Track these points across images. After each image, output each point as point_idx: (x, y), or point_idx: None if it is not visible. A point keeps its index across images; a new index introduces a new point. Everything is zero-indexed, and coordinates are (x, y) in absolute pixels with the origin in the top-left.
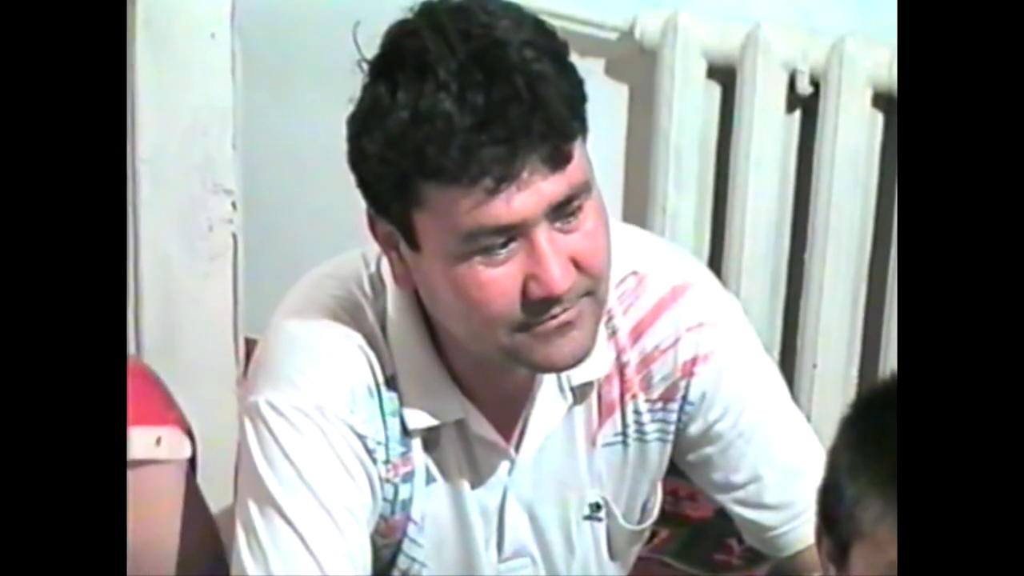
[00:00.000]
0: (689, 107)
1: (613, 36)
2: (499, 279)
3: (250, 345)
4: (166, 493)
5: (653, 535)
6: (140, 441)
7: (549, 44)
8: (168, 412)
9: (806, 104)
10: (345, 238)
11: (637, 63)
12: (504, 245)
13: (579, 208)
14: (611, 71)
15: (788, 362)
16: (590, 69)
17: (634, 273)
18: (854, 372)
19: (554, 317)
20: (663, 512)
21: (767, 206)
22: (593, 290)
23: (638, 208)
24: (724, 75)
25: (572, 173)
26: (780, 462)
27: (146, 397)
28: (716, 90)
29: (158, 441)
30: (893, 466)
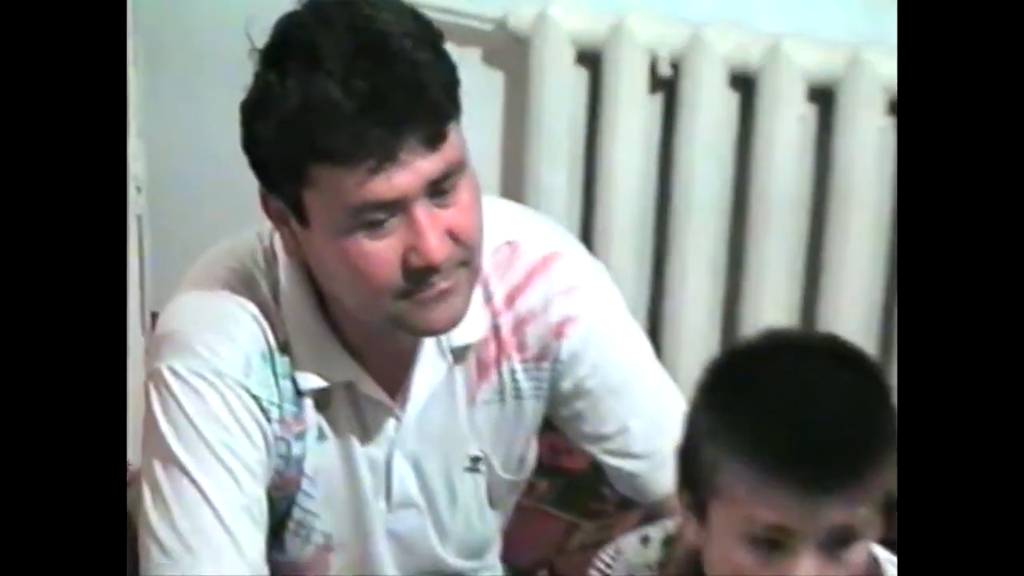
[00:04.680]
0: (559, 91)
1: (488, 27)
2: (382, 251)
3: (156, 319)
4: None
5: (533, 486)
6: None
7: (427, 34)
8: None
9: (667, 86)
10: (242, 218)
11: (511, 52)
12: (386, 220)
13: (454, 185)
14: (487, 59)
15: (655, 326)
16: (468, 58)
17: (508, 243)
18: (716, 335)
19: (432, 285)
20: (543, 464)
21: (633, 181)
22: (468, 260)
23: (514, 185)
24: (591, 61)
25: (448, 152)
26: (645, 414)
27: None
28: (584, 75)
29: None
30: (747, 431)
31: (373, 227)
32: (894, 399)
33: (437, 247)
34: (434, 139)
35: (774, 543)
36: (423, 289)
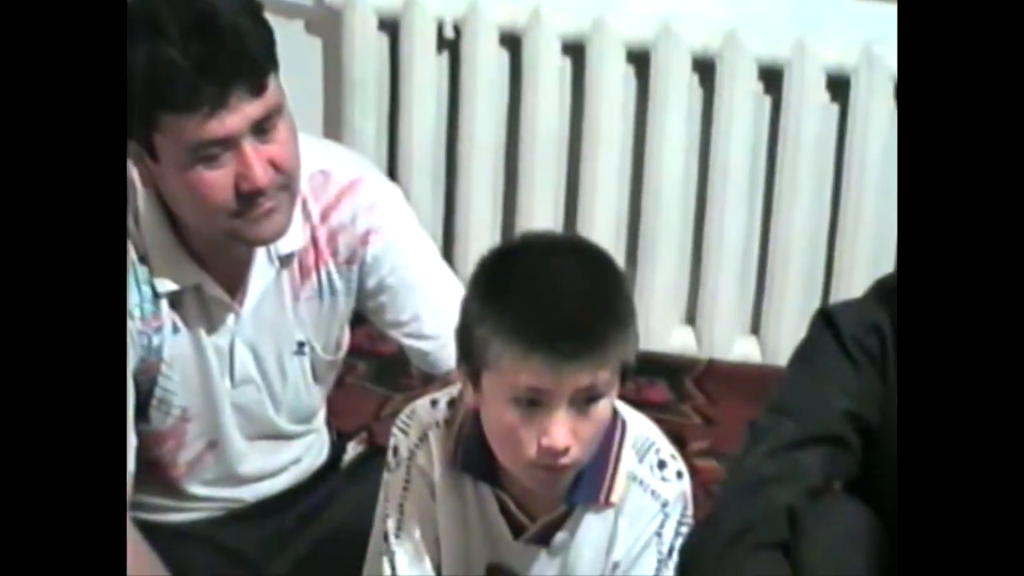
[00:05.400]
0: (367, 54)
1: (309, 2)
2: (218, 179)
3: None
4: None
5: (354, 367)
6: None
7: (249, 6)
8: None
9: (451, 47)
10: None
11: (327, 22)
12: (220, 154)
13: (274, 125)
14: (309, 29)
15: (447, 237)
16: (292, 27)
17: (321, 171)
18: (494, 242)
19: (259, 205)
20: (362, 350)
21: (427, 124)
22: (288, 184)
23: (333, 128)
24: (391, 28)
25: (268, 99)
26: (433, 304)
27: None
28: (386, 40)
29: None
30: (509, 314)
31: (210, 160)
32: (628, 287)
33: (262, 175)
34: (256, 89)
35: (533, 402)
36: (252, 208)
